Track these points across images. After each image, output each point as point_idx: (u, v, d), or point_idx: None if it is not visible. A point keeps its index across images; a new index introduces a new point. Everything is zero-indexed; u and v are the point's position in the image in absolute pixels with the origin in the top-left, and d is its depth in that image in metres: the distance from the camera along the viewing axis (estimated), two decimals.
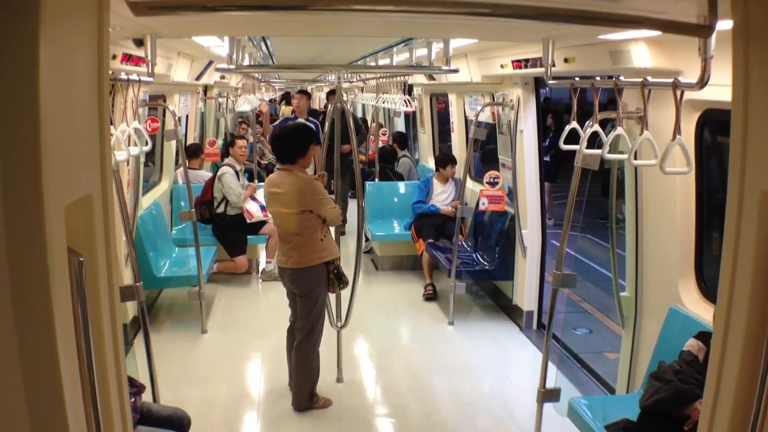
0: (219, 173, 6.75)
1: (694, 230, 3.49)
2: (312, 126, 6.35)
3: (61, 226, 1.17)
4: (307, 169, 4.21)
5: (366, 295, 6.33)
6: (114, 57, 3.59)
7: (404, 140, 9.72)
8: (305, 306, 4.17)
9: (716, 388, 1.48)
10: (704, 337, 2.88)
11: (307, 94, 8.75)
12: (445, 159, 7.06)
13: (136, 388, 3.13)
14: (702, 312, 3.30)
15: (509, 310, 5.94)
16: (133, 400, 2.98)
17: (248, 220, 6.76)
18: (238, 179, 6.87)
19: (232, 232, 6.72)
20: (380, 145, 9.18)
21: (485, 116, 6.13)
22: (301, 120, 7.84)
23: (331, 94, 8.13)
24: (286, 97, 18.80)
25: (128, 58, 3.80)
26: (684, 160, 2.89)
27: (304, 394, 4.27)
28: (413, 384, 4.64)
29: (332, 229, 4.40)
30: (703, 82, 2.37)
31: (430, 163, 8.61)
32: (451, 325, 5.70)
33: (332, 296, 4.43)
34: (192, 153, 7.56)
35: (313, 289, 4.13)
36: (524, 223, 5.59)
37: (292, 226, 4.04)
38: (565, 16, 1.82)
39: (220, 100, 10.66)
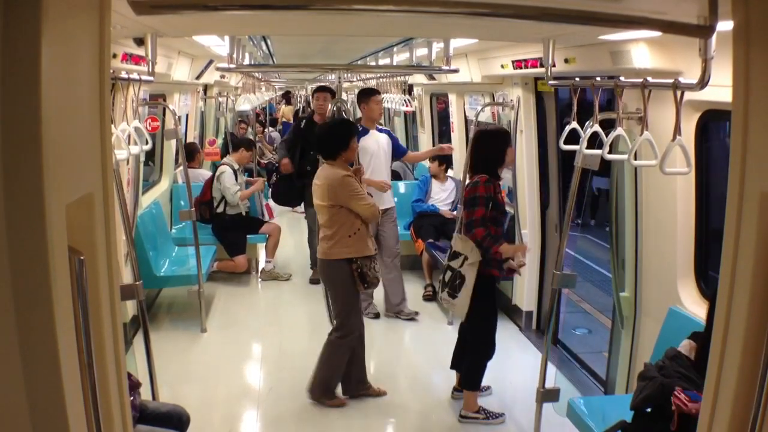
0: (218, 172, 6.76)
1: (693, 231, 3.49)
2: (386, 135, 5.99)
3: (62, 225, 1.17)
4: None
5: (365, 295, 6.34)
6: (115, 56, 3.59)
7: None
8: (333, 300, 4.37)
9: (716, 388, 1.48)
10: (696, 336, 2.89)
11: (331, 92, 6.66)
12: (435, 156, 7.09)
13: (131, 382, 3.12)
14: (702, 312, 3.30)
15: (509, 311, 5.94)
16: (132, 398, 2.98)
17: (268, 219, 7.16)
18: (237, 179, 6.87)
19: (232, 232, 6.72)
20: None
21: (485, 116, 6.12)
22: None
23: (317, 91, 6.88)
24: (287, 97, 18.77)
25: (129, 57, 3.80)
26: (684, 160, 2.90)
27: (321, 385, 4.32)
28: (413, 384, 4.64)
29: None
30: (703, 83, 2.37)
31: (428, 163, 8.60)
32: (451, 325, 5.70)
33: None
34: (188, 152, 7.52)
35: (334, 283, 4.26)
36: (524, 223, 5.59)
37: (323, 218, 4.22)
38: (565, 17, 1.82)
39: (220, 99, 10.66)
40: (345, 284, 4.17)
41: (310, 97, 9.75)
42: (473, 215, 3.89)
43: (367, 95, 5.93)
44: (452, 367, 4.41)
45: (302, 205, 7.06)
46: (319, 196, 4.20)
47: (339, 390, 4.38)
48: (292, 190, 6.73)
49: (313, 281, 6.66)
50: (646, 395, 2.77)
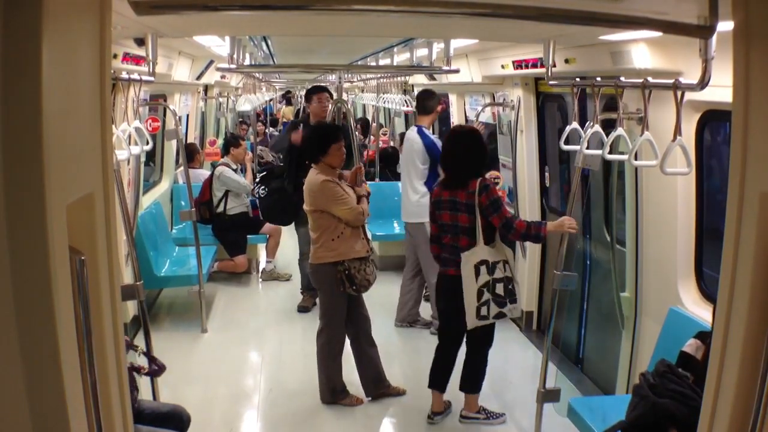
0: (216, 173, 6.75)
1: (694, 231, 3.49)
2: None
3: (63, 225, 1.17)
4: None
5: (366, 295, 6.31)
6: (115, 56, 3.59)
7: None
8: (320, 302, 4.40)
9: (716, 388, 1.48)
10: (703, 336, 2.89)
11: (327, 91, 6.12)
12: None
13: (157, 367, 3.26)
14: (702, 313, 3.30)
15: None
16: (133, 399, 2.99)
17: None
18: None
19: (232, 232, 6.72)
20: (381, 145, 9.16)
21: (486, 116, 6.13)
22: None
23: (315, 92, 6.00)
24: (287, 97, 18.76)
25: (129, 58, 3.80)
26: (684, 160, 2.90)
27: (323, 386, 4.33)
28: (413, 384, 4.63)
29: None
30: (703, 83, 2.38)
31: None
32: None
33: None
34: (188, 153, 7.40)
35: (322, 287, 4.29)
36: None
37: (310, 223, 4.24)
38: (566, 17, 1.82)
39: (220, 99, 10.66)
40: (330, 288, 4.17)
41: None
42: (504, 216, 3.76)
43: (436, 97, 5.57)
44: (432, 385, 4.14)
45: (294, 224, 6.11)
46: (305, 200, 4.25)
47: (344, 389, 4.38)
48: (285, 204, 5.82)
49: (301, 309, 6.02)
50: (639, 414, 2.76)
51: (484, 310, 3.78)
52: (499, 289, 3.80)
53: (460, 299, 3.82)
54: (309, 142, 4.35)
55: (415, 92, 9.01)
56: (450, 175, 3.95)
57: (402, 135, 9.16)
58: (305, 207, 4.26)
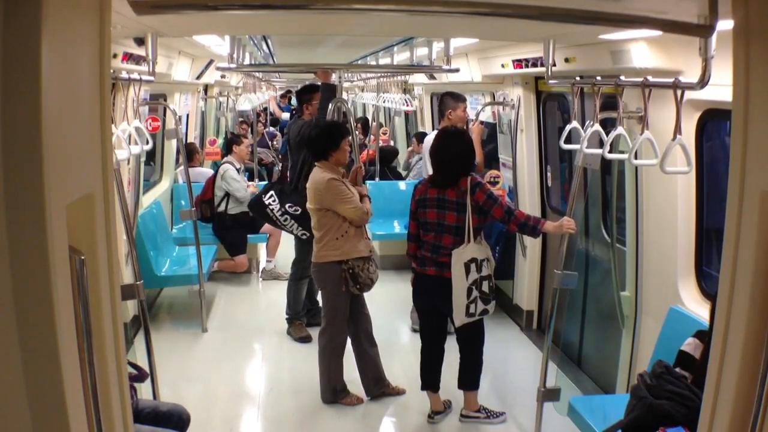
0: (221, 171, 6.75)
1: (694, 230, 3.49)
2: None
3: (63, 225, 1.17)
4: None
5: (366, 295, 6.32)
6: (115, 56, 3.59)
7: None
8: (323, 300, 4.36)
9: (716, 388, 1.48)
10: (702, 335, 2.88)
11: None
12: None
13: (138, 373, 3.16)
14: (702, 312, 3.30)
15: (509, 310, 5.94)
16: (132, 401, 2.99)
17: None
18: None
19: (233, 231, 6.72)
20: (381, 144, 9.16)
21: (486, 116, 6.13)
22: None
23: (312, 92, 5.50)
24: (288, 97, 18.72)
25: (129, 57, 3.80)
26: (684, 159, 2.90)
27: (328, 389, 4.33)
28: (413, 383, 4.63)
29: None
30: (703, 82, 2.37)
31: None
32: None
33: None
34: (187, 153, 7.34)
35: (325, 286, 4.27)
36: None
37: (313, 221, 4.23)
38: (566, 16, 1.82)
39: (220, 99, 10.66)
40: (334, 287, 4.18)
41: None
42: (503, 207, 3.79)
43: (462, 100, 5.23)
44: (425, 387, 4.18)
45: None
46: (308, 198, 4.24)
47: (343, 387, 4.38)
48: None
49: (300, 339, 5.42)
50: (636, 416, 2.76)
51: (472, 308, 3.82)
52: (485, 286, 3.83)
53: (440, 298, 3.85)
54: (320, 138, 4.27)
55: (415, 91, 9.04)
56: (440, 174, 3.92)
57: (418, 135, 8.98)
58: (308, 205, 4.25)
